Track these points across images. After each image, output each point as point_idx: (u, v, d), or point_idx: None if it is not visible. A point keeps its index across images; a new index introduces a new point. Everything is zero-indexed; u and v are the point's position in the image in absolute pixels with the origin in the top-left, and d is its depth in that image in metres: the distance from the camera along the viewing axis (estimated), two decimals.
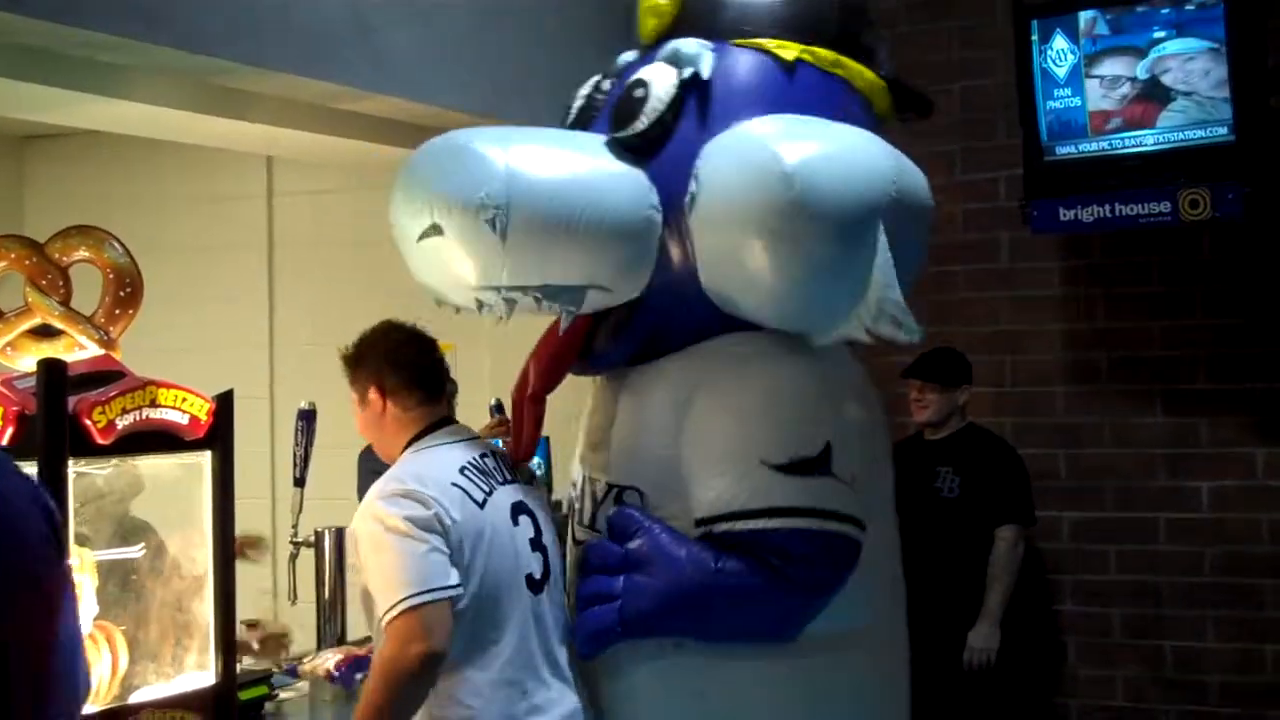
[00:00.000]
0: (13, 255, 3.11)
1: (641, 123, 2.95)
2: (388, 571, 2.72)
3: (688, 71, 2.96)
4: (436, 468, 2.86)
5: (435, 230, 2.80)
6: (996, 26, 5.18)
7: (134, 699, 2.92)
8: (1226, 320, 5.04)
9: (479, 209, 2.73)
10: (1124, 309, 5.20)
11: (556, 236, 2.80)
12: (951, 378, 4.89)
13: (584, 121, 3.15)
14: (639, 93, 2.98)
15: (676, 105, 2.95)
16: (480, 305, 2.86)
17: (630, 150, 2.95)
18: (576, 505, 3.14)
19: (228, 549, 3.09)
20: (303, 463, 4.04)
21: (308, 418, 4.00)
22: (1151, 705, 5.09)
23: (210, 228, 6.47)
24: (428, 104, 3.91)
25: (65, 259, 3.10)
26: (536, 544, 2.91)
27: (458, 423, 3.07)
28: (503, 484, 2.92)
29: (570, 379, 3.18)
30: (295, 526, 4.03)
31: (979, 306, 5.41)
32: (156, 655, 3.07)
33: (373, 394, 3.02)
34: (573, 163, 2.91)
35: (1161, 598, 5.09)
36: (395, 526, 2.72)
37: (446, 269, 2.86)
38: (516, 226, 2.75)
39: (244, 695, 3.36)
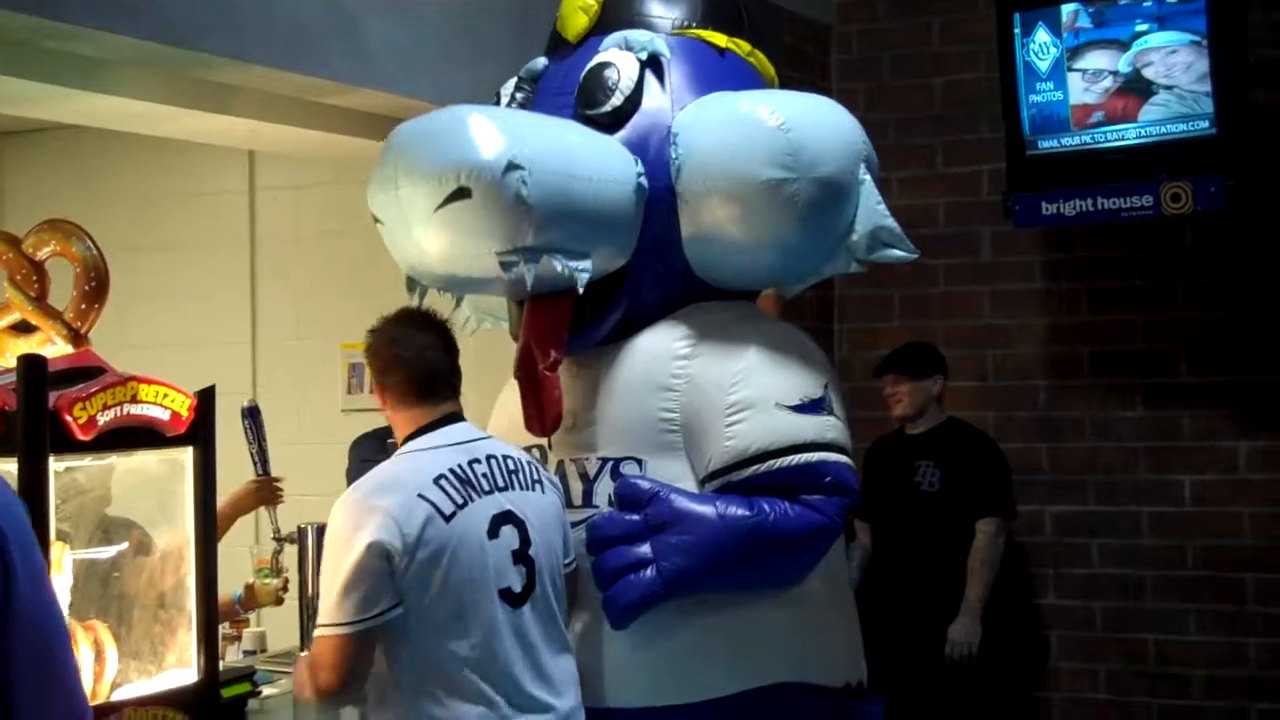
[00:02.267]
0: None
1: (617, 98, 3.16)
2: (328, 584, 2.74)
3: (643, 54, 3.19)
4: (410, 475, 2.83)
5: (461, 194, 2.84)
6: (978, 20, 5.19)
7: (116, 697, 2.90)
8: (1208, 314, 5.06)
9: (507, 168, 2.82)
10: (1106, 303, 5.21)
11: (571, 197, 2.95)
12: (921, 368, 4.90)
13: None
14: (609, 73, 3.19)
15: (639, 83, 3.19)
16: (506, 268, 2.90)
17: (601, 127, 3.16)
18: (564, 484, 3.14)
19: (210, 546, 3.08)
20: (261, 458, 4.04)
21: (252, 414, 4.00)
22: (1134, 698, 5.11)
23: (192, 223, 6.44)
24: (410, 98, 3.89)
25: (37, 253, 3.09)
26: (521, 556, 2.84)
27: (462, 421, 2.97)
28: (488, 493, 2.84)
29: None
30: (275, 523, 4.02)
31: (961, 301, 5.42)
32: (138, 653, 3.06)
33: (376, 389, 3.01)
34: (568, 131, 3.13)
35: (1144, 591, 5.11)
36: (347, 541, 2.71)
37: (470, 234, 2.90)
38: (538, 186, 2.86)
39: (227, 692, 3.35)
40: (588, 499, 3.09)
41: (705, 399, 3.03)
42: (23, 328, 3.09)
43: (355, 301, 6.01)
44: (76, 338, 3.05)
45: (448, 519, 2.76)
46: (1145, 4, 4.65)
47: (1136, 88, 4.67)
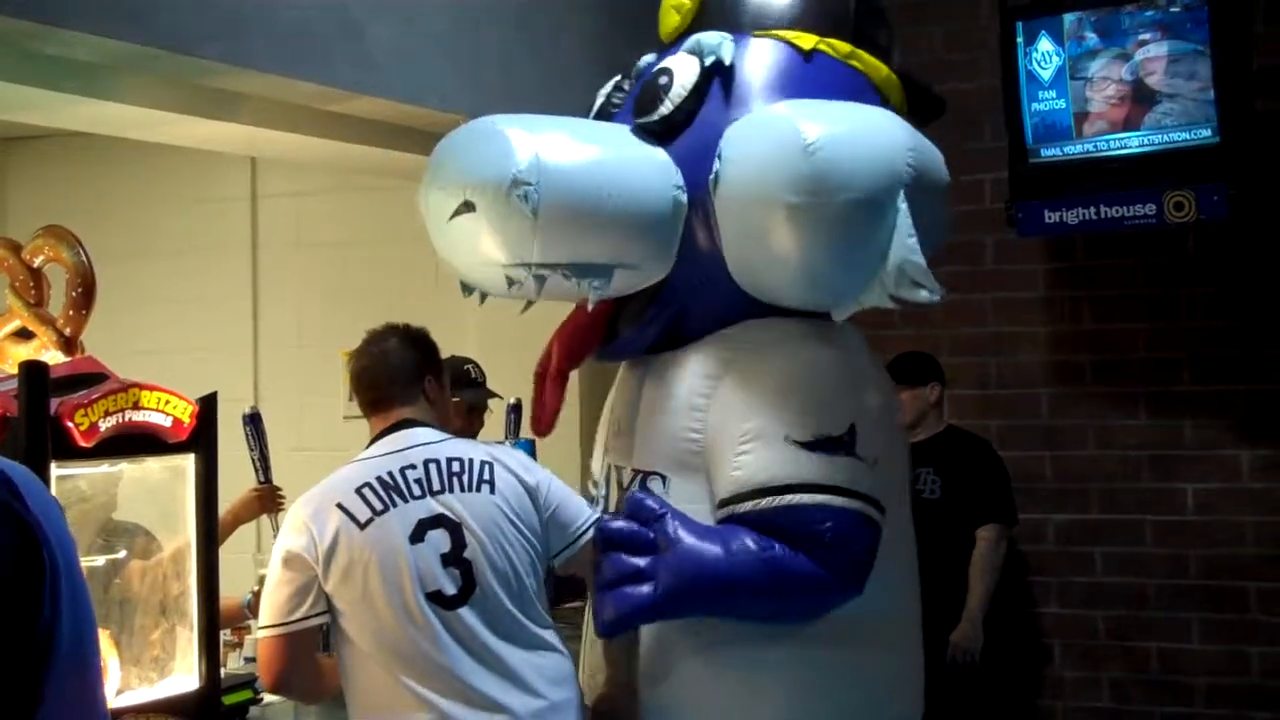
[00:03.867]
0: None
1: (665, 107, 3.06)
2: (266, 590, 2.88)
3: (709, 59, 3.06)
4: (336, 484, 2.90)
5: (467, 207, 2.86)
6: (981, 29, 5.19)
7: (117, 704, 2.90)
8: (1211, 322, 5.05)
9: (511, 184, 2.80)
10: (1108, 311, 5.21)
11: (585, 214, 2.89)
12: (918, 376, 4.90)
13: (603, 119, 3.24)
14: (663, 80, 3.10)
15: (699, 91, 3.07)
16: (510, 283, 2.90)
17: (654, 135, 3.06)
18: (602, 495, 3.15)
19: (211, 553, 3.08)
20: (263, 464, 4.05)
21: (254, 421, 4.01)
22: (1136, 707, 5.09)
23: (194, 229, 6.45)
24: (413, 105, 3.89)
25: (34, 260, 3.09)
26: (453, 558, 2.83)
27: (413, 429, 2.99)
28: (417, 498, 2.85)
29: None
30: (277, 529, 4.01)
31: (963, 309, 5.40)
32: (140, 660, 3.05)
33: None
34: (599, 143, 3.03)
35: (1147, 600, 5.10)
36: (277, 551, 2.86)
37: (477, 247, 2.91)
38: (547, 202, 2.82)
39: (229, 699, 3.34)
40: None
41: (723, 424, 2.95)
42: (24, 334, 3.09)
43: (357, 308, 6.02)
44: (66, 343, 3.05)
45: (362, 526, 2.81)
46: (1148, 13, 4.65)
47: (1139, 96, 4.67)
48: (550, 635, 2.94)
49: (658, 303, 3.08)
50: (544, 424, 3.19)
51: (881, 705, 3.10)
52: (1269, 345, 4.97)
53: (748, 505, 2.87)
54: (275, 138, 4.06)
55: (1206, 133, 4.55)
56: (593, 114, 3.27)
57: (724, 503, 2.91)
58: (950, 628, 4.67)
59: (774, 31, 3.13)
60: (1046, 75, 4.80)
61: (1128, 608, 5.12)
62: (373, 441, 2.99)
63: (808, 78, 3.08)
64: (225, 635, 3.88)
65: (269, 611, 2.82)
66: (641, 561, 2.88)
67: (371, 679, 2.81)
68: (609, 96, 3.29)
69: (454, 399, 4.53)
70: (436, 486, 2.88)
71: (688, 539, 2.87)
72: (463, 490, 2.90)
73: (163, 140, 4.29)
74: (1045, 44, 4.80)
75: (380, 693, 2.80)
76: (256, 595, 3.83)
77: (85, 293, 3.07)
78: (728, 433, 2.93)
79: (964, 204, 5.36)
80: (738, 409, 2.94)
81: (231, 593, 3.47)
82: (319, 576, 2.80)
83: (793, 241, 2.86)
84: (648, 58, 3.29)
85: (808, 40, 3.11)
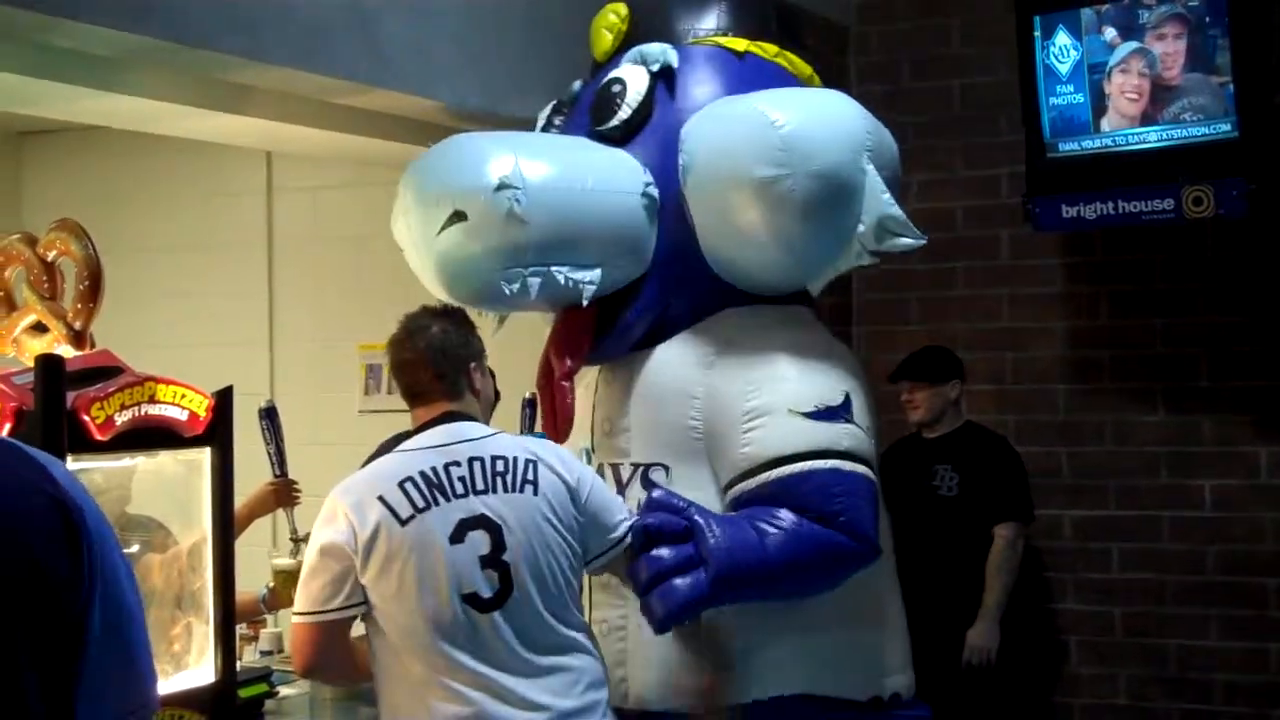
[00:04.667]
0: (13, 253, 3.11)
1: (624, 112, 3.26)
2: (302, 577, 2.89)
3: (655, 65, 3.28)
4: (379, 475, 2.89)
5: (459, 217, 2.96)
6: (998, 22, 5.16)
7: None
8: (1229, 318, 5.03)
9: (499, 189, 2.93)
10: (1126, 307, 5.18)
11: (571, 212, 3.04)
12: (938, 374, 4.88)
13: None
14: (616, 89, 3.29)
15: (650, 96, 3.27)
16: (506, 287, 2.98)
17: (612, 142, 3.27)
18: None
19: (227, 546, 3.08)
20: (278, 458, 4.05)
21: (270, 415, 4.01)
22: (1154, 704, 5.08)
23: (209, 224, 6.45)
24: (427, 99, 3.89)
25: (47, 254, 3.09)
26: (491, 561, 2.82)
27: (458, 422, 2.96)
28: (460, 497, 2.83)
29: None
30: (293, 524, 4.01)
31: (980, 304, 5.39)
32: (155, 653, 3.04)
33: None
34: (569, 149, 3.23)
35: (1164, 596, 5.08)
36: (315, 539, 2.85)
37: (472, 255, 3.00)
38: (534, 203, 2.95)
39: (244, 693, 3.34)
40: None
41: (724, 407, 3.07)
42: (40, 328, 3.09)
43: (373, 302, 6.01)
44: (76, 337, 3.04)
45: (403, 522, 2.79)
46: (1166, 6, 4.62)
47: (1157, 90, 4.64)
48: (582, 637, 2.94)
49: (640, 301, 3.19)
50: (561, 432, 3.24)
51: (848, 675, 3.21)
52: None
53: (762, 477, 2.98)
54: (290, 131, 4.06)
55: (1225, 127, 4.52)
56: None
57: (736, 480, 3.02)
58: (967, 625, 4.66)
59: (707, 39, 3.37)
60: (1064, 69, 4.78)
61: (1145, 604, 5.10)
62: (416, 432, 2.96)
63: (744, 75, 3.30)
64: (241, 629, 3.88)
65: (304, 599, 2.83)
66: (685, 552, 2.93)
67: (404, 672, 2.81)
68: (549, 119, 3.48)
69: None
70: (480, 486, 2.86)
71: (724, 527, 2.95)
72: (506, 490, 2.87)
73: (178, 134, 4.29)
74: (1063, 38, 4.77)
75: (410, 686, 2.80)
76: (272, 590, 3.83)
77: (92, 286, 3.07)
78: (729, 415, 3.05)
79: (980, 199, 5.36)
80: (736, 391, 3.07)
81: (246, 587, 3.46)
82: (356, 568, 2.78)
83: (766, 216, 3.03)
84: (577, 84, 3.51)
85: (739, 44, 3.35)
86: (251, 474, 3.86)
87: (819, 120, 3.07)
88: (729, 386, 3.08)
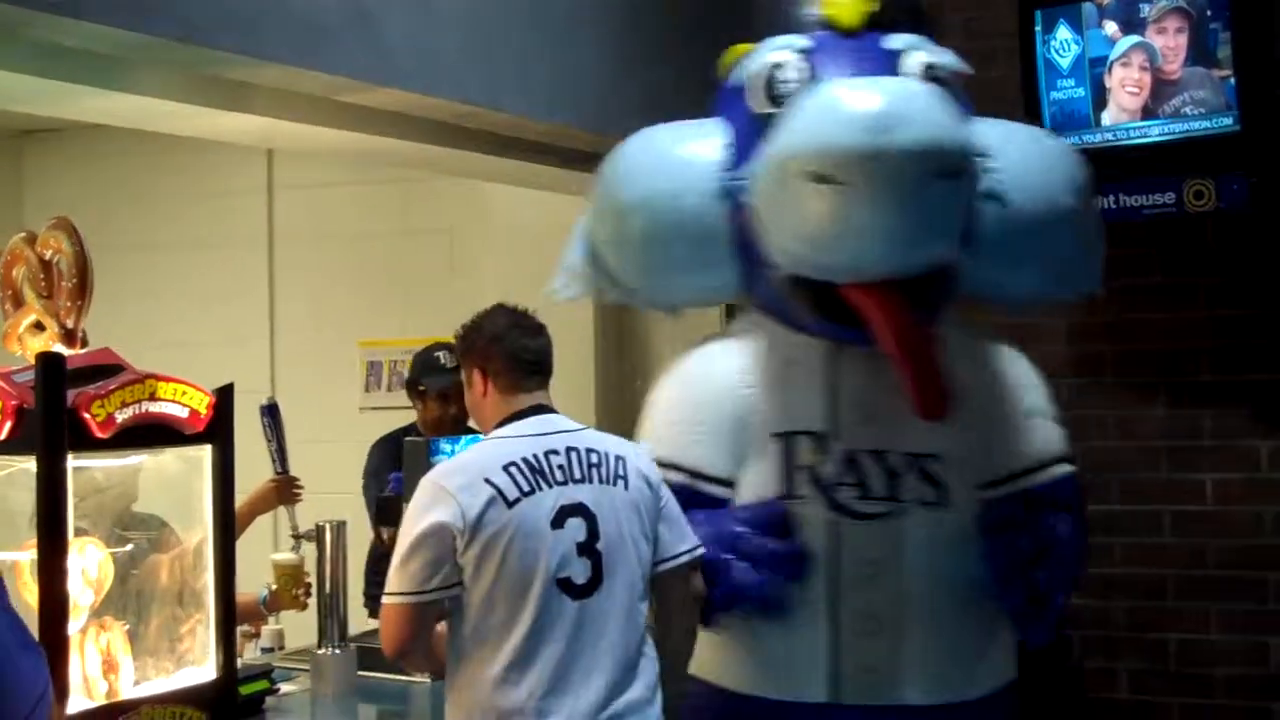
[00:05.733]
0: (18, 252, 3.12)
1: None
2: (396, 555, 2.87)
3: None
4: (483, 458, 2.93)
5: (950, 176, 2.85)
6: (999, 17, 5.15)
7: (134, 694, 2.90)
8: (1230, 312, 5.02)
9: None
10: (1127, 301, 5.17)
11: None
12: None
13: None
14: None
15: None
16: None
17: None
18: (844, 480, 3.09)
19: (228, 544, 3.08)
20: (280, 456, 4.05)
21: (271, 413, 4.02)
22: (1156, 698, 5.07)
23: (211, 222, 6.46)
24: (426, 95, 3.88)
25: (44, 252, 3.09)
26: (586, 549, 2.89)
27: (551, 414, 3.05)
28: (560, 484, 2.90)
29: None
30: (294, 521, 4.02)
31: None
32: (156, 650, 3.06)
33: (476, 376, 3.08)
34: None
35: (1166, 590, 5.07)
36: (415, 519, 2.85)
37: (948, 218, 2.93)
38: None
39: (245, 690, 3.35)
40: (895, 492, 3.09)
41: (996, 403, 3.21)
42: (40, 326, 3.09)
43: (373, 299, 6.03)
44: (67, 335, 3.04)
45: (510, 504, 2.84)
46: (1168, 1, 4.62)
47: (1159, 85, 4.64)
48: (649, 638, 3.01)
49: (949, 287, 3.13)
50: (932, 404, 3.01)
51: None
52: None
53: (1043, 475, 3.19)
54: (291, 129, 4.06)
55: (1227, 121, 4.52)
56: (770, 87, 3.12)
57: (1016, 475, 3.17)
58: None
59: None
60: (1065, 64, 4.77)
61: (1147, 598, 5.10)
62: (507, 421, 3.01)
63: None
64: (243, 626, 3.89)
65: (401, 580, 2.84)
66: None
67: (494, 652, 2.83)
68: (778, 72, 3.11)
69: (420, 387, 4.55)
70: (578, 475, 2.93)
71: (1059, 526, 3.15)
72: (601, 482, 2.95)
73: (179, 132, 4.29)
74: (1064, 32, 4.77)
75: (497, 667, 2.82)
76: (273, 592, 3.84)
77: (80, 283, 3.06)
78: (1003, 411, 3.20)
79: None
80: (1009, 391, 3.23)
81: (246, 585, 3.46)
82: (457, 549, 2.81)
83: (1068, 239, 3.23)
84: (797, 38, 3.17)
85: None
86: (253, 472, 3.87)
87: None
88: (999, 386, 3.23)
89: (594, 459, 2.98)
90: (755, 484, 3.16)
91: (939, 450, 3.08)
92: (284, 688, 3.67)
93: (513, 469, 2.88)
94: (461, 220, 5.77)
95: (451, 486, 2.85)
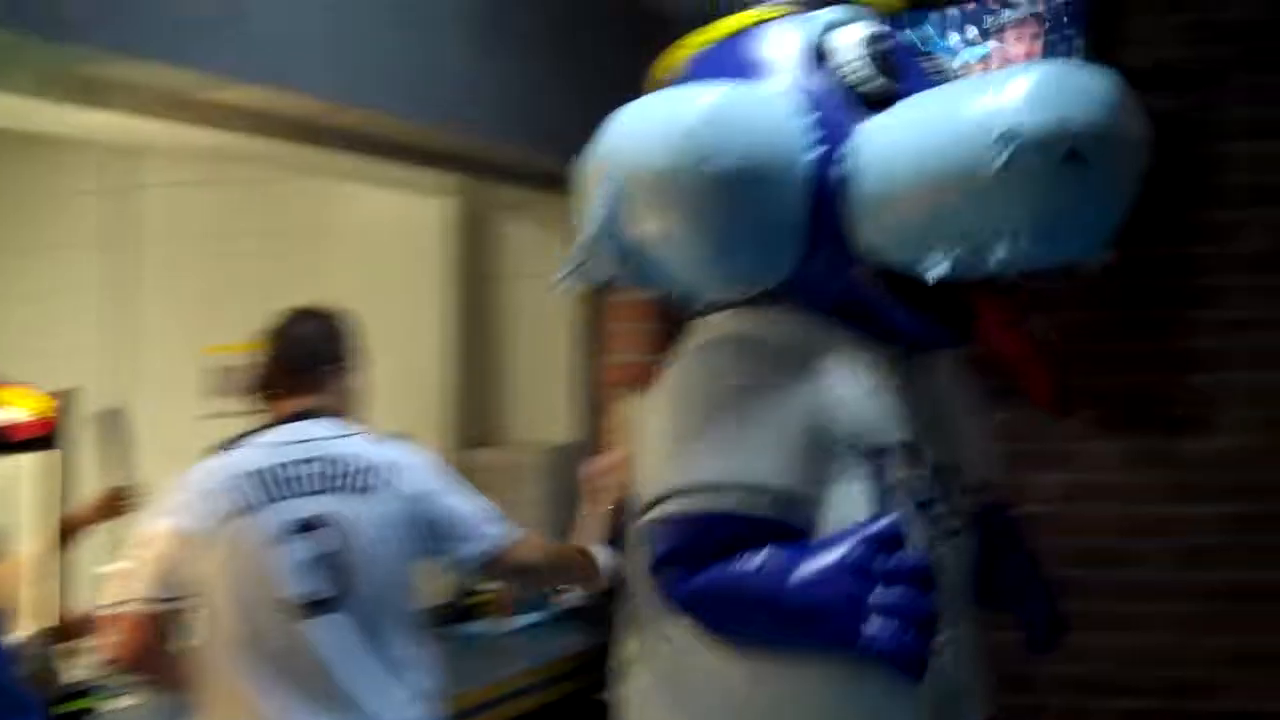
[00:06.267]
0: None
1: None
2: (134, 563, 2.84)
3: None
4: (222, 468, 2.86)
5: (1078, 156, 2.37)
6: None
7: None
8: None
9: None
10: None
11: None
12: None
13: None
14: None
15: None
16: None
17: None
18: (934, 495, 2.72)
19: (60, 555, 3.01)
20: (120, 464, 3.94)
21: (112, 419, 3.91)
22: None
23: (67, 223, 6.30)
24: (288, 91, 3.80)
25: None
26: (330, 562, 2.81)
27: (311, 420, 2.96)
28: (297, 496, 2.83)
29: None
30: (123, 534, 3.91)
31: None
32: None
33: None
34: None
35: None
36: (154, 526, 2.82)
37: (1082, 207, 2.45)
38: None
39: (63, 708, 3.23)
40: (960, 506, 2.79)
41: (972, 421, 3.01)
42: None
43: (239, 301, 5.89)
44: None
45: (244, 515, 2.78)
46: (1008, 11, 4.64)
47: None
48: (415, 651, 2.92)
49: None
50: (1049, 396, 2.84)
51: None
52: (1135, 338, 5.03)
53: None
54: (152, 127, 3.95)
55: None
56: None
57: (975, 490, 2.89)
58: None
59: None
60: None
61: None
62: (268, 427, 2.94)
63: None
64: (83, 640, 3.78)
65: (136, 585, 2.76)
66: None
67: (228, 668, 2.76)
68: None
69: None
70: (325, 485, 2.85)
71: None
72: (351, 492, 2.86)
73: (36, 130, 4.16)
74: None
75: (231, 684, 2.75)
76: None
77: None
78: (978, 429, 2.98)
79: None
80: (975, 408, 3.01)
81: (78, 600, 3.36)
82: (191, 559, 2.75)
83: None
84: (871, 24, 2.78)
85: None
86: (93, 481, 3.76)
87: None
88: (969, 403, 2.97)
89: (348, 467, 2.88)
90: (841, 505, 2.60)
91: (961, 461, 2.83)
92: (112, 705, 3.54)
93: (253, 479, 2.82)
94: (321, 221, 5.68)
95: (187, 495, 2.81)
